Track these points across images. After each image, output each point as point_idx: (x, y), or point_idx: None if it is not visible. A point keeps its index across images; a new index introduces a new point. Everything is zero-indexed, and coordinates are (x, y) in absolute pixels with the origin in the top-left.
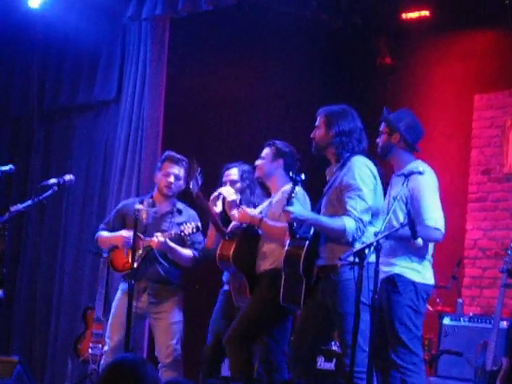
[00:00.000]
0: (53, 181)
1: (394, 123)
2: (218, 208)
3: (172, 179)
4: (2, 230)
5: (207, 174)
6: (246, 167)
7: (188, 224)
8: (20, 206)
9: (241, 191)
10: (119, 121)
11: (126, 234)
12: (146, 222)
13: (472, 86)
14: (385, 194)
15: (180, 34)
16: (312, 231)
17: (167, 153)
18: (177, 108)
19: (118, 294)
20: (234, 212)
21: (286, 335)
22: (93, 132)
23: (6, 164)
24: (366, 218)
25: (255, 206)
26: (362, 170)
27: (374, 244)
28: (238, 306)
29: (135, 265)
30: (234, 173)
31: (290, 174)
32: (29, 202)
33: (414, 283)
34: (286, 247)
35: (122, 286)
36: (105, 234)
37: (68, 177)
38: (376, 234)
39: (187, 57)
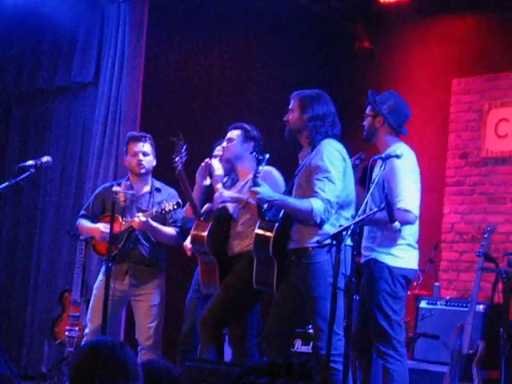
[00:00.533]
0: (30, 162)
1: (377, 106)
2: (207, 181)
3: (141, 156)
4: None
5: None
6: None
7: (168, 202)
8: None
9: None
10: (97, 103)
11: (103, 228)
12: (125, 205)
13: (450, 71)
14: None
15: (159, 17)
16: (282, 213)
17: (128, 134)
18: (155, 91)
19: (100, 277)
20: (219, 186)
21: (257, 319)
22: (70, 114)
23: None
24: (334, 199)
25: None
26: (331, 153)
27: (351, 227)
28: (206, 293)
29: (118, 247)
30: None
31: (254, 154)
32: (5, 184)
33: (388, 267)
34: (256, 230)
35: (103, 269)
36: (84, 223)
37: (45, 158)
38: (353, 217)
39: (166, 40)
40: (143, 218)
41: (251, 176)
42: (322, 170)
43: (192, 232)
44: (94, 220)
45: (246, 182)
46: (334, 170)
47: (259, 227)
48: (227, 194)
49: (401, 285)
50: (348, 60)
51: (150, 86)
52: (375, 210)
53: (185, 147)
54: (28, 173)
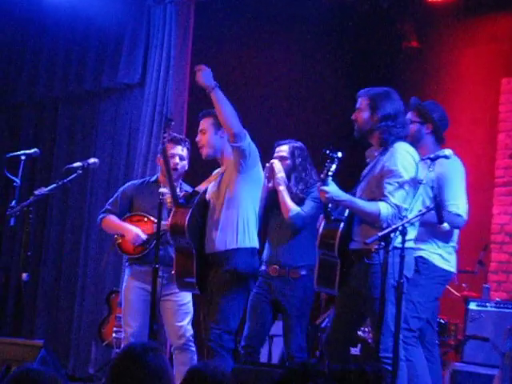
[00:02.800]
0: (77, 164)
1: (429, 113)
2: (271, 183)
3: (177, 160)
4: (27, 213)
5: None
6: (297, 144)
7: None
8: (44, 190)
9: (291, 169)
10: (143, 105)
11: (141, 234)
12: (171, 207)
13: (499, 70)
14: None
15: (205, 17)
16: (347, 213)
17: (172, 134)
18: (202, 92)
19: (126, 279)
20: (282, 188)
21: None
22: (117, 116)
23: (31, 148)
24: (404, 205)
25: (307, 185)
26: (404, 158)
27: (400, 228)
28: (181, 290)
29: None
30: (284, 149)
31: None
32: (53, 186)
33: (436, 267)
34: (321, 229)
35: (129, 271)
36: (113, 218)
37: (92, 160)
38: (402, 219)
39: (212, 40)
40: None
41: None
42: (395, 174)
43: (169, 221)
44: (120, 217)
45: (223, 174)
46: (406, 175)
47: (325, 227)
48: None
49: (441, 286)
50: (396, 60)
51: (196, 87)
52: (424, 210)
53: (171, 124)
54: (75, 174)
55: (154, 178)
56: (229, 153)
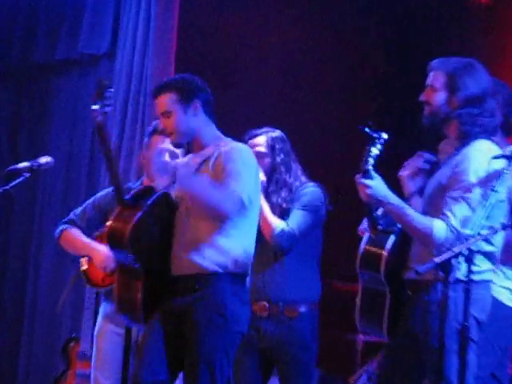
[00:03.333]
0: (24, 165)
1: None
2: None
3: (167, 158)
4: None
5: None
6: (276, 134)
7: None
8: None
9: (271, 169)
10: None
11: (111, 256)
12: None
13: None
14: None
15: None
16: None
17: (153, 123)
18: (193, 64)
19: (99, 320)
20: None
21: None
22: (77, 96)
23: None
24: (466, 230)
25: (291, 189)
26: (481, 165)
27: (466, 252)
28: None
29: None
30: (260, 142)
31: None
32: None
33: (503, 306)
34: (364, 244)
35: (104, 308)
36: (77, 233)
37: (44, 159)
38: (467, 239)
39: None
40: None
41: (214, 151)
42: (462, 186)
43: (109, 223)
44: (87, 234)
45: (205, 160)
46: (477, 190)
47: (368, 242)
48: None
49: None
50: (460, 18)
51: (185, 57)
52: (497, 228)
53: (109, 90)
54: (21, 178)
55: (136, 184)
56: (208, 136)
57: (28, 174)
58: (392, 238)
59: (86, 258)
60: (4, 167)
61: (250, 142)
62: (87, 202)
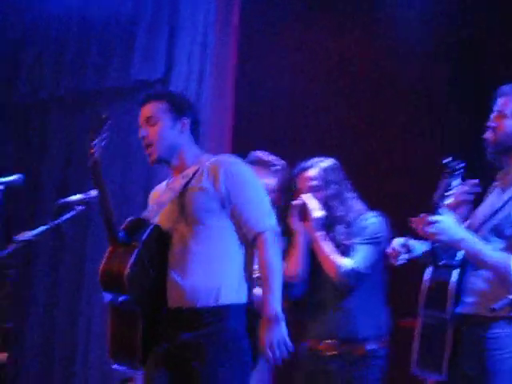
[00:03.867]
0: (76, 198)
1: None
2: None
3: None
4: (5, 267)
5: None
6: (328, 163)
7: None
8: (28, 234)
9: (327, 202)
10: None
11: None
12: None
13: None
14: None
15: None
16: (461, 256)
17: (253, 155)
18: (252, 94)
19: None
20: (319, 235)
21: None
22: (130, 125)
23: (11, 172)
24: None
25: (348, 223)
26: None
27: None
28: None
29: None
30: (313, 175)
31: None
32: (42, 229)
33: None
34: (427, 280)
35: None
36: None
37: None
38: None
39: (265, 19)
40: None
41: (198, 167)
42: None
43: (102, 265)
44: None
45: (190, 179)
46: None
47: (433, 277)
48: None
49: None
50: None
51: (244, 86)
52: None
53: (107, 124)
54: (73, 212)
55: None
56: (191, 156)
57: (81, 208)
58: (455, 273)
59: None
60: (55, 198)
61: (302, 174)
62: None
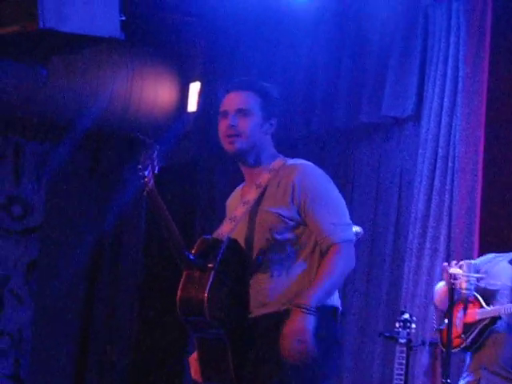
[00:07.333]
0: None
1: None
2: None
3: None
4: None
5: None
6: None
7: None
8: None
9: None
10: (419, 147)
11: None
12: (467, 294)
13: None
14: None
15: (506, 18)
16: None
17: None
18: (502, 126)
19: None
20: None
21: None
22: (380, 164)
23: None
24: None
25: None
26: None
27: None
28: None
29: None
30: None
31: None
32: None
33: None
34: None
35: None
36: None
37: (355, 229)
38: None
39: None
40: None
41: (271, 177)
42: None
43: (179, 294)
44: None
45: (264, 191)
46: None
47: None
48: None
49: None
50: None
51: (494, 118)
52: None
53: (156, 152)
54: None
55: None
56: (263, 158)
57: None
58: None
59: None
60: None
61: None
62: None
